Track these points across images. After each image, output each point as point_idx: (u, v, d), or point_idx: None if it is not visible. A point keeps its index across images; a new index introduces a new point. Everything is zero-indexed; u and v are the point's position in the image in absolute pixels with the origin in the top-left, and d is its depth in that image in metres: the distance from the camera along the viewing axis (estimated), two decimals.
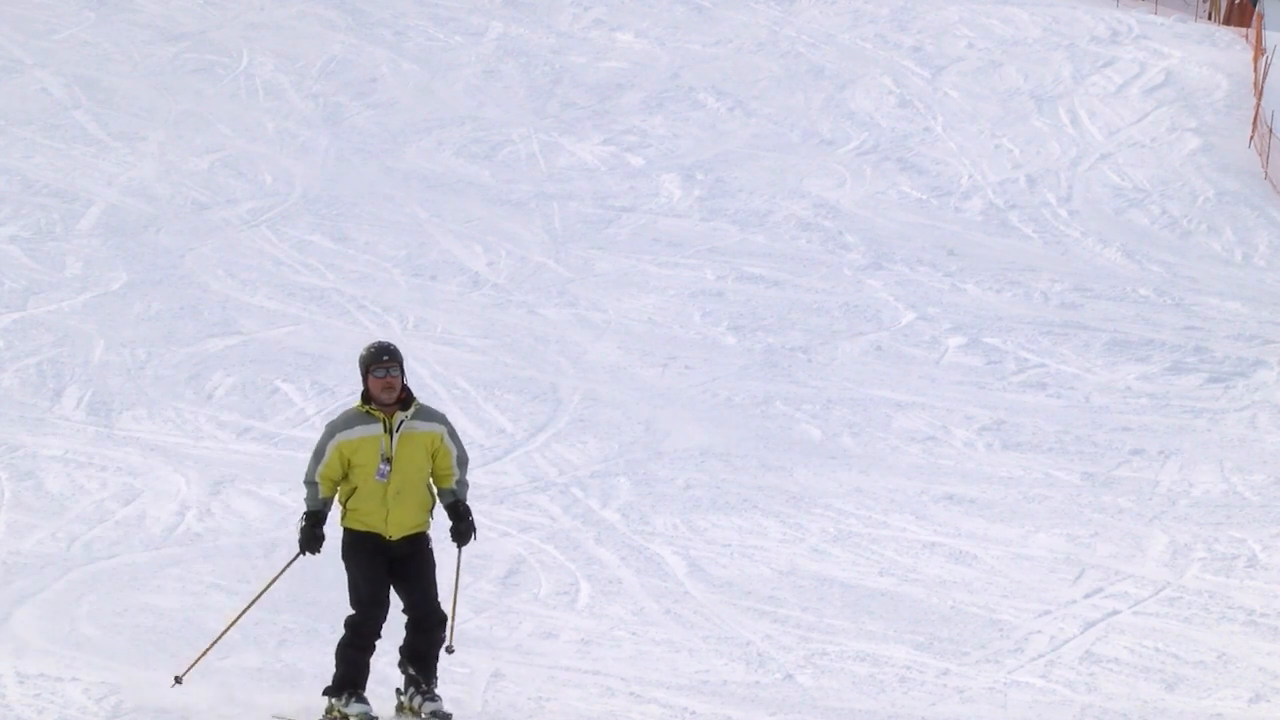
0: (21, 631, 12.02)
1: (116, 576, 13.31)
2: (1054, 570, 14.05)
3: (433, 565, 10.35)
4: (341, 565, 10.43)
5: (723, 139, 31.79)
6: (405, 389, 10.38)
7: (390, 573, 10.26)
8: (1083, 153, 31.74)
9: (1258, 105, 33.31)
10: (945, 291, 24.37)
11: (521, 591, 13.29)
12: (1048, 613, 12.97)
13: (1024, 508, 15.95)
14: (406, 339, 21.03)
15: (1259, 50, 36.56)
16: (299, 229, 25.71)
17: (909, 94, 34.52)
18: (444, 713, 10.18)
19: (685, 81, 34.78)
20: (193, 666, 10.60)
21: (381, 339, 11.20)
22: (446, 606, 10.33)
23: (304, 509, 10.43)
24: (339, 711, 10.17)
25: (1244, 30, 39.59)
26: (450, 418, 10.73)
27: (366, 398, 10.30)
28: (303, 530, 10.38)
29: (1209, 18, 42.20)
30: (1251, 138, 32.29)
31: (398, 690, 10.41)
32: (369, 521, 10.26)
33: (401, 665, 10.41)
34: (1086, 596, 13.41)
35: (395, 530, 10.24)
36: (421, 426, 10.32)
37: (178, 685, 10.48)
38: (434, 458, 10.32)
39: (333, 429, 10.27)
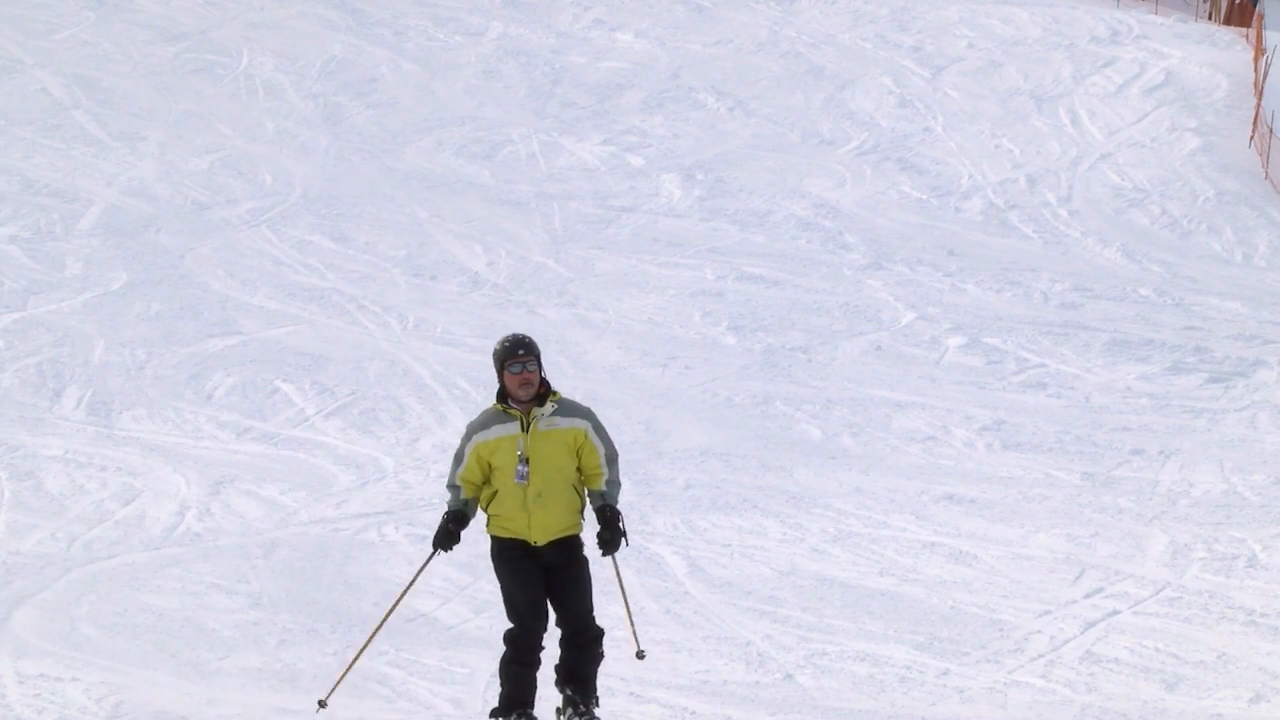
0: (21, 631, 12.02)
1: (116, 576, 13.31)
2: (1054, 570, 14.05)
3: (587, 573, 9.73)
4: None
5: (723, 139, 31.80)
6: (545, 383, 9.69)
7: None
8: (1083, 153, 31.75)
9: (1258, 105, 33.32)
10: (945, 291, 24.37)
11: None
12: (1048, 613, 12.97)
13: (1024, 508, 15.95)
14: (406, 339, 21.03)
15: (1259, 50, 36.57)
16: (299, 229, 25.71)
17: (909, 94, 34.52)
18: None
19: (685, 81, 34.79)
20: (334, 689, 10.20)
21: (516, 331, 10.39)
22: (600, 614, 9.68)
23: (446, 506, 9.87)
24: None
25: (1244, 30, 39.60)
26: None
27: (503, 395, 9.64)
28: (439, 526, 9.75)
29: (1209, 18, 42.21)
30: (1251, 138, 32.30)
31: (557, 710, 9.87)
32: (512, 527, 9.63)
33: (558, 684, 9.80)
34: (1086, 596, 13.41)
35: (540, 535, 9.60)
36: (563, 423, 9.61)
37: (323, 709, 10.05)
38: (579, 455, 9.64)
39: (471, 430, 9.65)
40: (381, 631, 12.26)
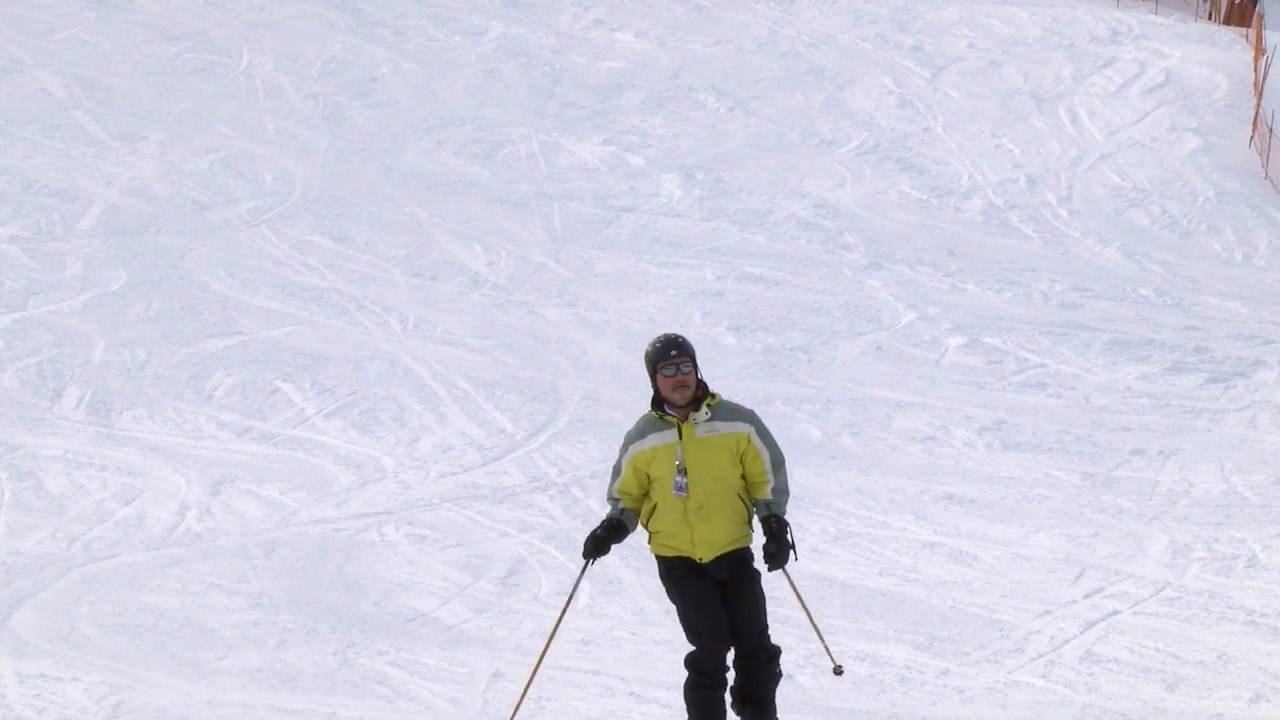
0: (21, 631, 12.03)
1: (116, 576, 13.32)
2: (1054, 570, 14.05)
3: (760, 588, 9.09)
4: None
5: (723, 139, 31.79)
6: (701, 385, 9.00)
7: None
8: (1083, 153, 31.74)
9: (1258, 105, 33.31)
10: (945, 291, 24.37)
11: (521, 591, 13.29)
12: (1048, 613, 12.97)
13: (1024, 508, 15.95)
14: (406, 339, 21.03)
15: (1259, 50, 36.56)
16: (299, 229, 25.71)
17: (909, 94, 34.52)
18: None
19: (685, 81, 34.79)
20: (518, 705, 9.80)
21: (668, 331, 9.77)
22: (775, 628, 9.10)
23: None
24: None
25: (1244, 30, 39.59)
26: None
27: (658, 401, 9.02)
28: (591, 533, 9.21)
29: (1209, 18, 42.21)
30: (1251, 138, 32.29)
31: None
32: (675, 544, 9.03)
33: (734, 707, 9.19)
34: (1086, 596, 13.41)
35: (705, 551, 8.98)
36: (723, 427, 8.95)
37: None
38: (742, 462, 8.99)
39: (627, 440, 9.08)
40: (381, 631, 12.28)
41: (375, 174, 28.92)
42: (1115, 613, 13.09)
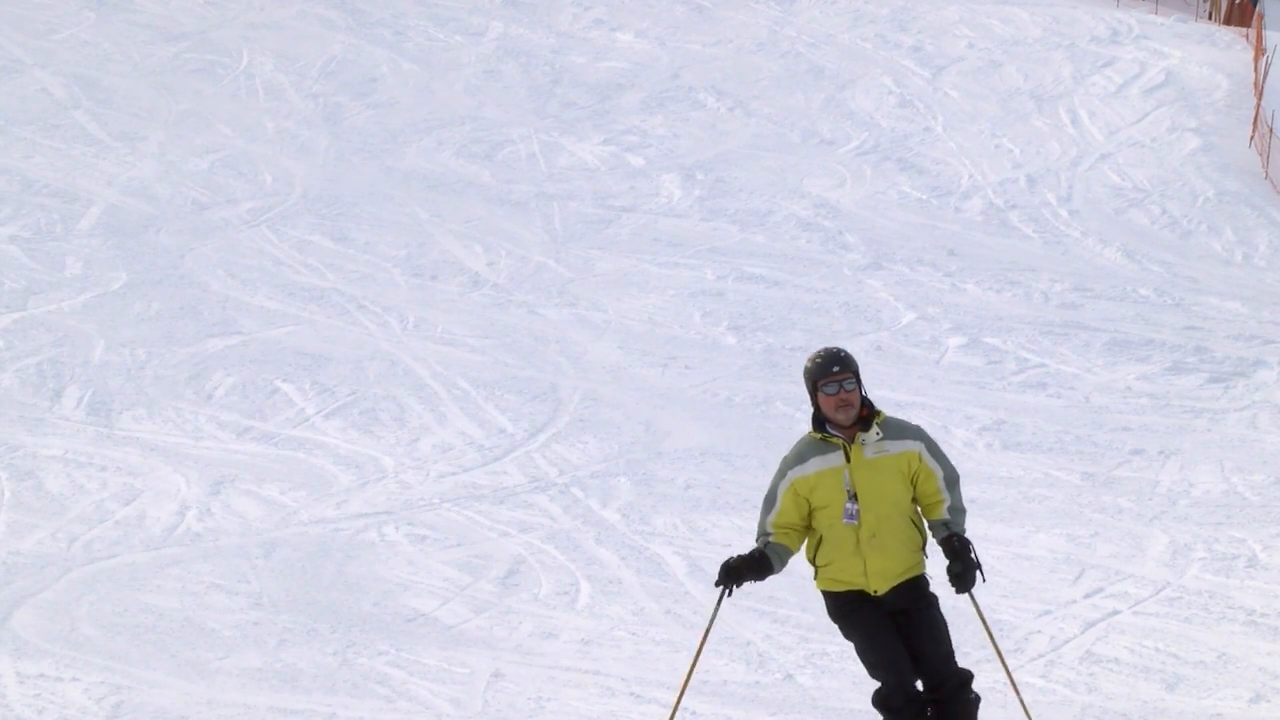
0: (21, 631, 12.02)
1: (116, 576, 13.31)
2: (1054, 570, 14.05)
3: (940, 614, 8.53)
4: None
5: (723, 139, 31.79)
6: (866, 402, 8.40)
7: None
8: (1083, 153, 31.74)
9: (1258, 105, 33.31)
10: (945, 291, 24.37)
11: (521, 591, 13.29)
12: (1048, 613, 12.97)
13: (1024, 508, 15.95)
14: (406, 339, 21.03)
15: (1259, 50, 36.55)
16: (299, 229, 25.71)
17: (909, 94, 34.52)
18: None
19: (685, 81, 34.79)
20: (675, 712, 9.18)
21: (828, 345, 8.84)
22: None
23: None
24: None
25: (1244, 30, 39.59)
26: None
27: (819, 420, 8.41)
28: (729, 560, 8.51)
29: (1209, 18, 42.20)
30: (1251, 138, 32.29)
31: None
32: (845, 577, 8.46)
33: None
34: (1086, 596, 13.41)
35: (879, 583, 8.43)
36: (893, 447, 8.36)
37: None
38: (914, 483, 8.40)
39: (784, 466, 8.42)
40: (381, 631, 12.28)
41: (375, 174, 28.92)
42: (1115, 613, 13.09)
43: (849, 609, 8.49)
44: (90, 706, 10.63)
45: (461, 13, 38.27)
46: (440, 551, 14.16)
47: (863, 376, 8.54)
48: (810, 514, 8.42)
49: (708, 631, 8.99)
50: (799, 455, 8.41)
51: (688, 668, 9.13)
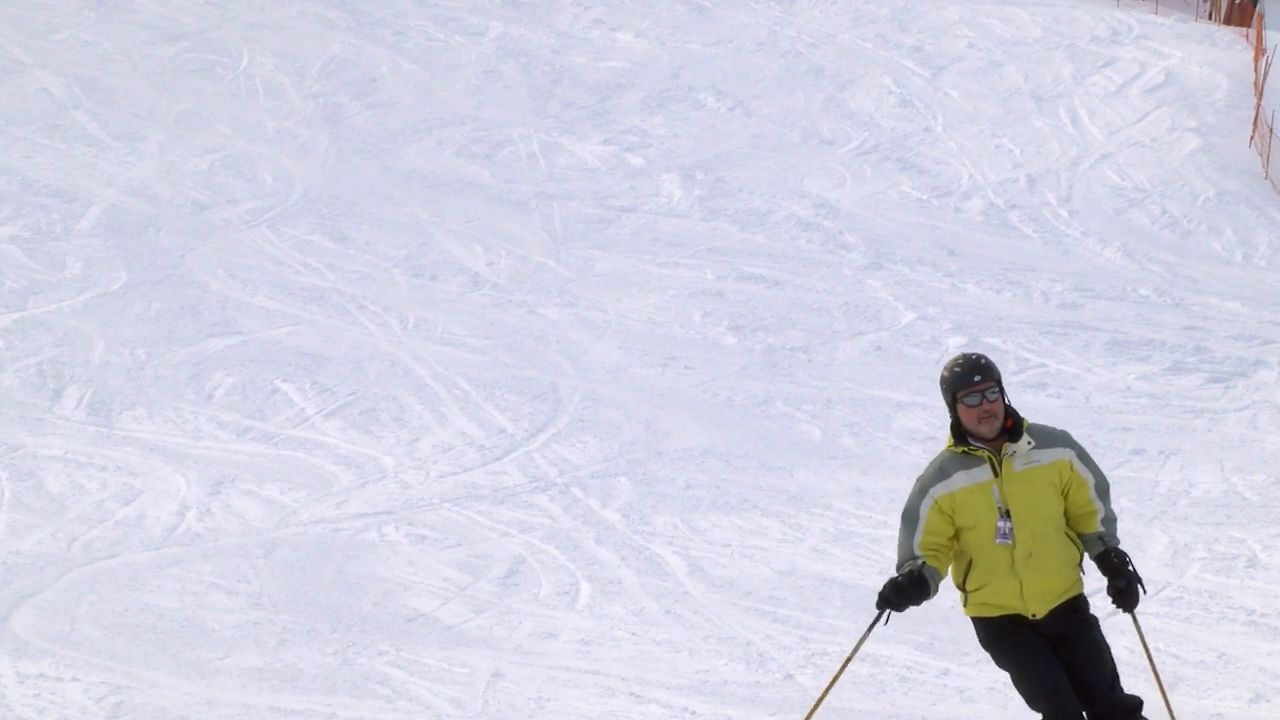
0: (21, 631, 12.02)
1: (116, 576, 13.31)
2: None
3: (1102, 638, 7.99)
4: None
5: (723, 139, 31.79)
6: (1010, 411, 7.79)
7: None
8: (1083, 153, 31.74)
9: (1258, 105, 33.31)
10: (945, 291, 24.37)
11: (521, 591, 13.29)
12: None
13: None
14: (406, 339, 21.03)
15: (1259, 50, 36.55)
16: (299, 229, 25.72)
17: (909, 94, 34.52)
18: None
19: (685, 81, 34.79)
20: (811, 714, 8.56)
21: (966, 351, 8.33)
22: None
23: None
24: None
25: (1244, 30, 39.59)
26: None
27: (959, 432, 7.79)
28: (890, 582, 7.83)
29: (1209, 18, 42.20)
30: (1251, 138, 32.29)
31: None
32: (1000, 601, 7.80)
33: None
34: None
35: (1037, 605, 7.80)
36: (1043, 456, 7.78)
37: None
38: (1065, 494, 7.82)
39: (923, 485, 7.80)
40: (381, 631, 12.28)
41: (375, 174, 28.92)
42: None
43: (1003, 636, 7.86)
44: (90, 706, 10.63)
45: (461, 13, 38.28)
46: (440, 551, 14.16)
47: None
48: (955, 534, 7.80)
49: (850, 658, 8.42)
50: (940, 471, 7.79)
51: (819, 694, 8.60)
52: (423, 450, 17.13)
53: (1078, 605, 7.92)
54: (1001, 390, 7.73)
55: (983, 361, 7.75)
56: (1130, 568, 7.80)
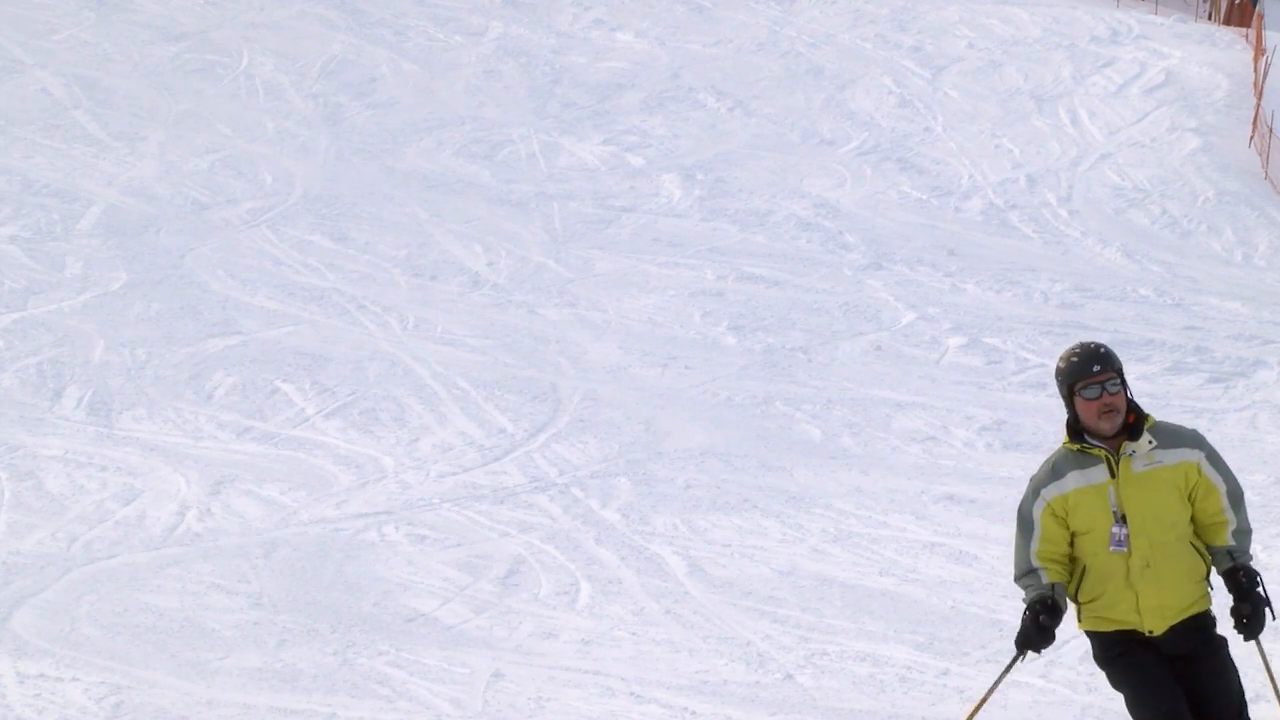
0: (21, 631, 12.03)
1: (116, 576, 13.32)
2: None
3: (1230, 661, 7.35)
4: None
5: (723, 139, 31.80)
6: (1133, 407, 7.16)
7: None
8: (1083, 153, 31.74)
9: (1258, 105, 33.32)
10: (945, 291, 24.37)
11: (521, 591, 13.29)
12: None
13: None
14: (406, 339, 21.03)
15: (1259, 50, 36.56)
16: (299, 229, 25.72)
17: (909, 94, 34.53)
18: None
19: (685, 81, 34.79)
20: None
21: (1085, 340, 7.61)
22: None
23: (1025, 597, 7.27)
24: None
25: (1244, 30, 39.59)
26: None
27: (1076, 429, 7.24)
28: (1025, 622, 7.19)
29: (1209, 18, 42.21)
30: (1251, 138, 32.29)
31: None
32: (1115, 615, 7.16)
33: None
34: None
35: (1156, 621, 7.14)
36: (1167, 457, 7.09)
37: None
38: (1191, 499, 7.17)
39: (1035, 485, 7.22)
40: (381, 631, 12.28)
41: (375, 174, 28.92)
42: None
43: (1118, 653, 7.22)
44: (90, 706, 10.63)
45: (461, 13, 38.28)
46: (440, 551, 14.17)
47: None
48: (1071, 540, 7.18)
49: (993, 688, 7.88)
50: (1053, 470, 7.21)
51: (971, 708, 8.05)
52: (423, 450, 17.13)
53: (1203, 623, 7.30)
54: (1123, 382, 7.17)
55: (1102, 350, 7.24)
56: (1260, 589, 7.20)
